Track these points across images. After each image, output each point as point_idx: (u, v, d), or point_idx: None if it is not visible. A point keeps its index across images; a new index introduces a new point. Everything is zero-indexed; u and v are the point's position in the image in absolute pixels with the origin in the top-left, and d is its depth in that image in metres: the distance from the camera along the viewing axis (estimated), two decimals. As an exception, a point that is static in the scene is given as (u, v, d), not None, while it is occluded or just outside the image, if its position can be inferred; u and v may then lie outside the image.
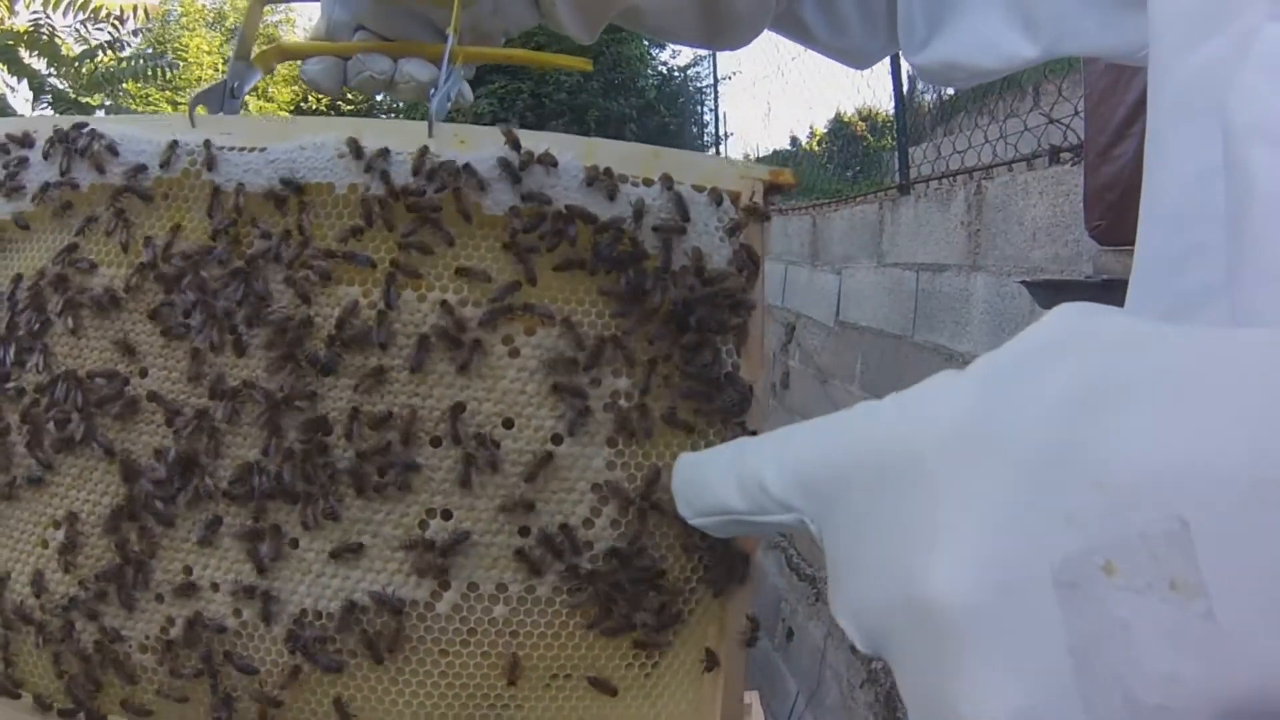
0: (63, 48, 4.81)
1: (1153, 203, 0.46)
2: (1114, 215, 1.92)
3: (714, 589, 0.60)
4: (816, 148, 6.86)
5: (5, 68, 4.45)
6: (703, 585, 0.60)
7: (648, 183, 0.60)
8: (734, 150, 7.77)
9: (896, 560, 0.28)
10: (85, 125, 0.63)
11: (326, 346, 0.58)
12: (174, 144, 0.61)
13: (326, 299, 0.59)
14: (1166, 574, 0.22)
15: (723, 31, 0.74)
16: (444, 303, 0.58)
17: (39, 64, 4.64)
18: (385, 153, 0.59)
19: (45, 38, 4.55)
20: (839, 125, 6.21)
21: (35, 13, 4.50)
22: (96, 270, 0.62)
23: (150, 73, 5.21)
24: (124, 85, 5.64)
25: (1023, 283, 2.14)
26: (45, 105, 4.88)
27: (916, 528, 0.28)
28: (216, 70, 12.87)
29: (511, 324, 0.59)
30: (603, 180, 0.59)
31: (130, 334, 0.61)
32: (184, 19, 13.33)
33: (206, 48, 12.93)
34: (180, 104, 11.29)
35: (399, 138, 0.60)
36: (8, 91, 4.78)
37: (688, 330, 0.59)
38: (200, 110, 0.64)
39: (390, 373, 0.58)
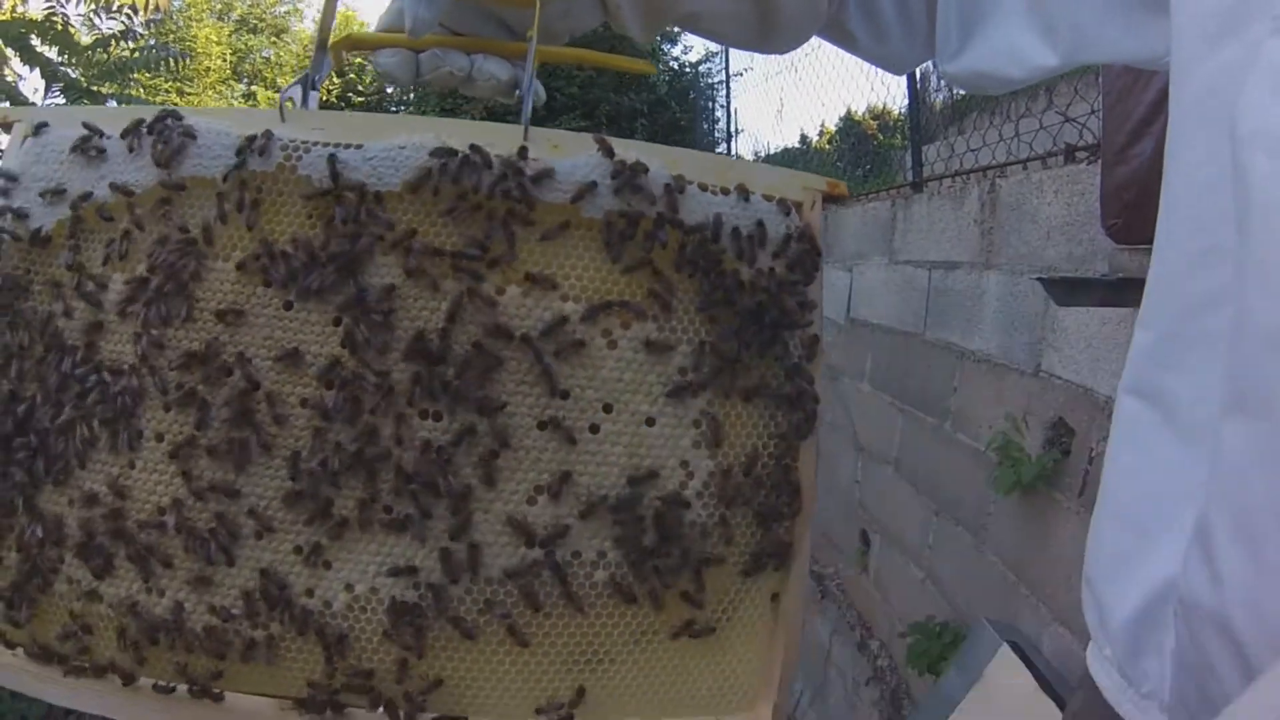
0: (75, 37, 4.82)
1: (1171, 203, 0.47)
2: (1131, 214, 1.92)
3: (772, 562, 0.67)
4: (827, 146, 6.86)
5: (18, 56, 4.46)
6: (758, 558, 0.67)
7: (724, 191, 0.66)
8: (744, 147, 7.76)
9: None
10: (176, 116, 0.64)
11: (440, 339, 0.61)
12: (268, 136, 0.63)
13: (432, 294, 0.62)
14: None
15: (772, 37, 0.77)
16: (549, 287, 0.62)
17: (51, 53, 4.65)
18: (486, 154, 0.62)
19: (58, 26, 4.56)
20: (849, 124, 6.21)
21: (49, 1, 4.51)
22: (205, 261, 0.63)
23: (161, 63, 5.22)
24: (135, 76, 5.65)
25: (1038, 279, 2.14)
26: (56, 94, 4.89)
27: None
28: (225, 60, 12.87)
29: (609, 318, 0.63)
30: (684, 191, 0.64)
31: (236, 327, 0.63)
32: (191, 10, 13.30)
33: (215, 38, 12.91)
34: (189, 95, 11.30)
35: (492, 139, 0.63)
36: (19, 80, 4.80)
37: (763, 326, 0.65)
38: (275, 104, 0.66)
39: (506, 363, 0.62)
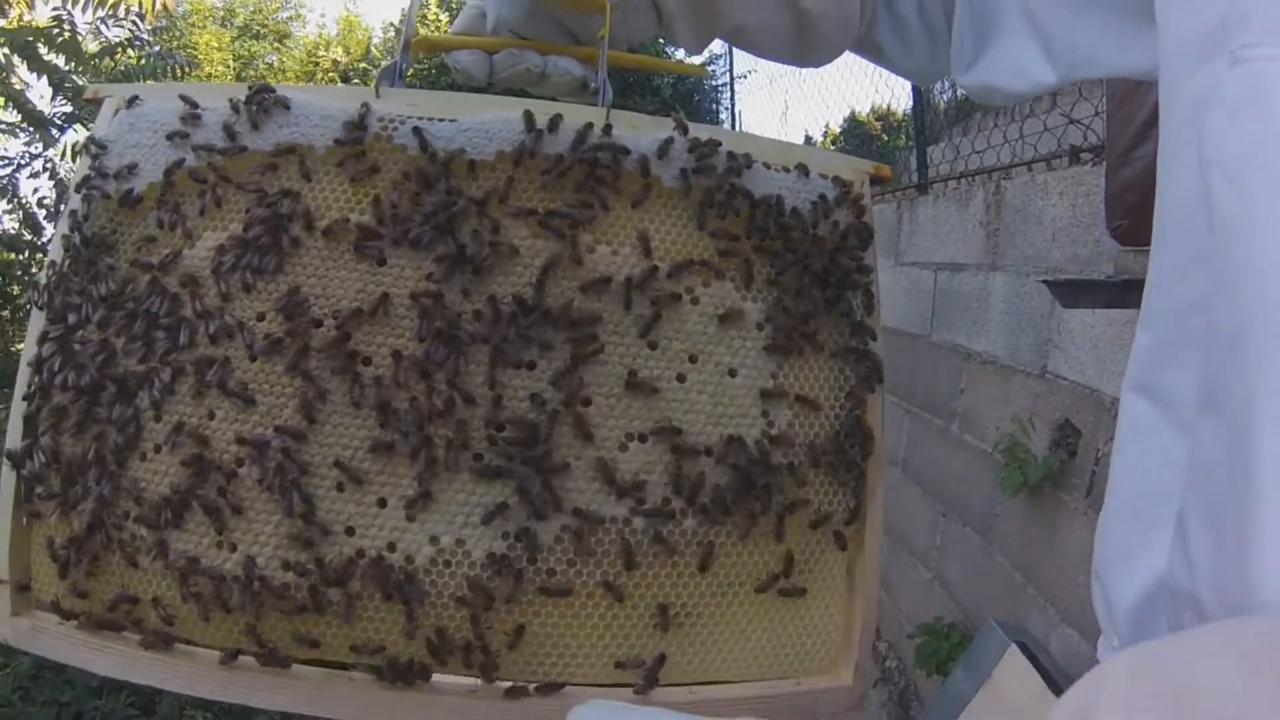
0: (81, 44, 4.83)
1: (1164, 212, 0.50)
2: (1135, 216, 1.93)
3: (848, 506, 0.72)
4: (831, 147, 6.87)
5: (25, 64, 4.47)
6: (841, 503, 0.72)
7: (786, 170, 0.72)
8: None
9: None
10: (270, 89, 0.69)
11: (536, 290, 0.65)
12: (367, 108, 0.69)
13: (524, 252, 0.66)
14: None
15: (810, 51, 0.83)
16: (644, 244, 0.68)
17: (58, 60, 4.66)
18: (586, 129, 0.69)
19: (66, 35, 4.57)
20: (854, 124, 6.22)
21: (56, 9, 4.52)
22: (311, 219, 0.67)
23: (167, 71, 5.23)
24: (142, 83, 5.65)
25: (1043, 281, 2.15)
26: (63, 102, 4.90)
27: None
28: (227, 67, 12.87)
29: (691, 277, 0.68)
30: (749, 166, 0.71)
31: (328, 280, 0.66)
32: (193, 17, 13.31)
33: (216, 44, 12.91)
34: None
35: (574, 117, 0.70)
36: (26, 88, 4.81)
37: (828, 285, 0.72)
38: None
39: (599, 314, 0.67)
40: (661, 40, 0.82)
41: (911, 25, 0.82)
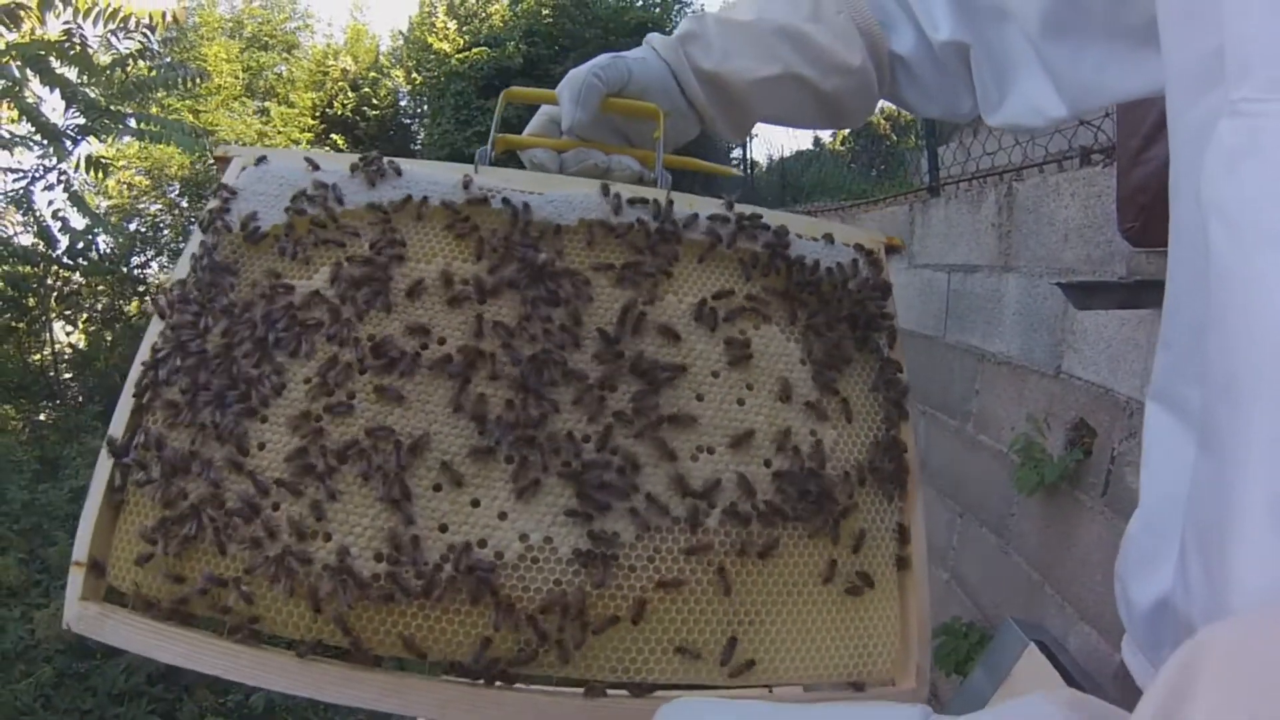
0: (94, 58, 4.86)
1: (1177, 230, 0.51)
2: (1147, 217, 1.93)
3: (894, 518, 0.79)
4: (840, 147, 6.88)
5: (37, 77, 4.50)
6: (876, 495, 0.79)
7: (815, 239, 0.86)
8: (757, 151, 7.76)
9: None
10: (385, 159, 0.83)
11: (619, 325, 0.77)
12: (470, 178, 0.83)
13: (606, 299, 0.79)
14: None
15: (840, 120, 0.96)
16: (713, 298, 0.82)
17: (70, 73, 4.69)
18: (657, 203, 0.84)
19: (77, 48, 4.60)
20: (863, 126, 6.22)
21: (66, 22, 4.55)
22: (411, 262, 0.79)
23: (178, 83, 5.26)
24: (156, 94, 5.68)
25: (1057, 284, 2.16)
26: (76, 114, 4.94)
27: None
28: (236, 78, 12.93)
29: (744, 320, 0.80)
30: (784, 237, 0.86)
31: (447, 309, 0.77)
32: (203, 29, 13.35)
33: (225, 56, 12.95)
34: (201, 113, 11.35)
35: (644, 195, 0.84)
36: (39, 101, 4.85)
37: (857, 327, 0.83)
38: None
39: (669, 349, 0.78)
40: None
41: (930, 82, 0.90)
